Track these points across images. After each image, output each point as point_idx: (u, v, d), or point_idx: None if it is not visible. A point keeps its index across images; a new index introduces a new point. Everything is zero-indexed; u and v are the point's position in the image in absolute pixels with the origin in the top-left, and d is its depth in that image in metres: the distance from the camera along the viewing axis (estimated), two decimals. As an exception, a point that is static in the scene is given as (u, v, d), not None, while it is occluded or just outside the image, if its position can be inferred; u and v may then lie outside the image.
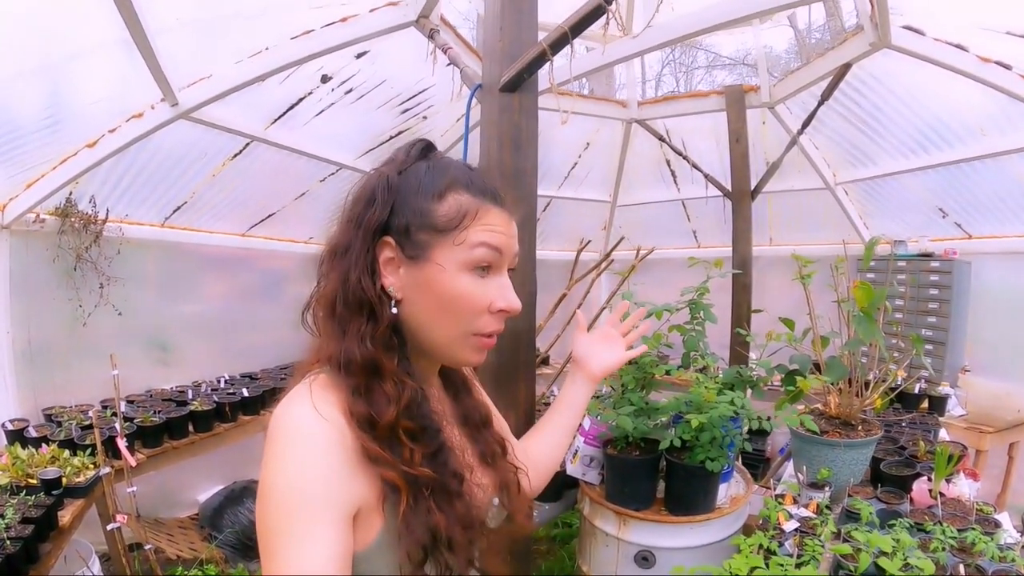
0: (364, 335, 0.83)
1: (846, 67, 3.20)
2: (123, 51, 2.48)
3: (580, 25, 1.56)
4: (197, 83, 2.82)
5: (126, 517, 2.56)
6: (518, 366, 1.81)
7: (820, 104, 3.45)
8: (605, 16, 1.51)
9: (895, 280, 3.96)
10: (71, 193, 3.07)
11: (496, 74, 1.76)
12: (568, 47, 1.57)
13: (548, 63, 1.60)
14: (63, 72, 2.61)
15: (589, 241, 2.85)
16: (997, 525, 1.80)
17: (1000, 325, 4.00)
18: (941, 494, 1.99)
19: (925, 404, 3.39)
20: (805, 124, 3.64)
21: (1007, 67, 2.79)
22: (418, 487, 0.80)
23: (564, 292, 2.48)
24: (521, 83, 1.72)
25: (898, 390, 2.70)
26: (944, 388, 3.56)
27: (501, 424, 1.15)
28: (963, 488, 2.09)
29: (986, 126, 3.40)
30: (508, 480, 1.02)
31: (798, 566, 1.57)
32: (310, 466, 0.75)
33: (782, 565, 1.53)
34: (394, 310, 0.86)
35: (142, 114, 2.84)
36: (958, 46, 2.82)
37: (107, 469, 2.53)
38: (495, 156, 1.76)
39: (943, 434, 2.84)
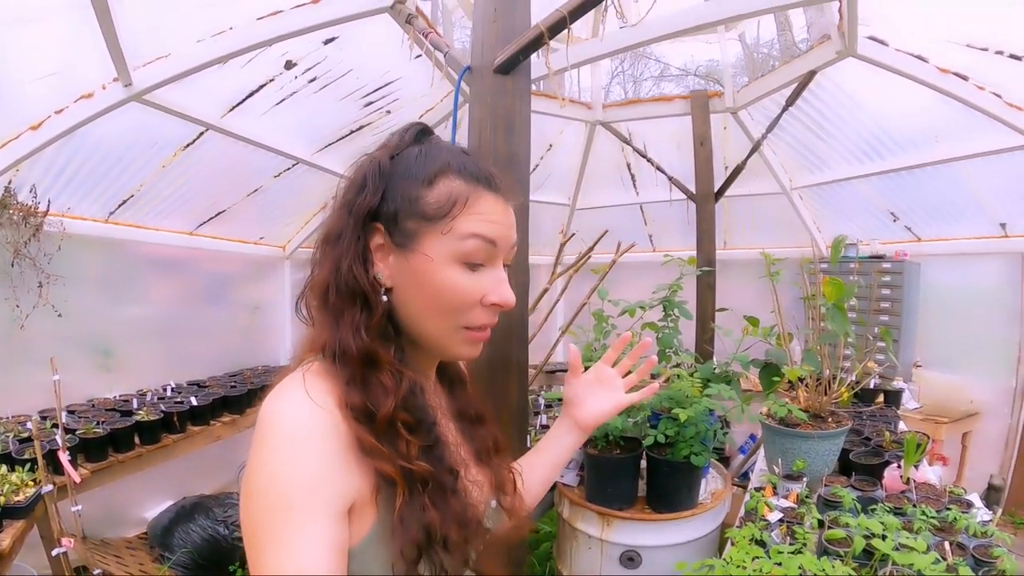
0: (359, 325, 0.80)
1: (811, 74, 3.29)
2: (73, 21, 2.30)
3: (579, 10, 1.52)
4: (154, 62, 2.64)
5: (72, 541, 2.35)
6: (510, 363, 1.75)
7: (785, 109, 3.53)
8: (604, 3, 1.48)
9: (854, 281, 4.10)
10: (11, 181, 2.83)
11: (488, 57, 1.71)
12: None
13: (544, 47, 1.56)
14: (3, 42, 2.36)
15: (574, 234, 2.83)
16: (970, 505, 1.86)
17: (949, 322, 4.23)
18: (911, 479, 2.03)
19: (880, 398, 3.50)
20: (769, 128, 3.72)
21: (964, 78, 2.93)
22: (413, 482, 0.77)
23: (545, 287, 2.45)
24: (516, 65, 1.68)
25: (863, 384, 2.77)
26: (898, 382, 3.69)
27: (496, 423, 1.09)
28: (930, 473, 2.15)
29: (940, 133, 3.55)
30: (504, 479, 0.98)
31: (792, 554, 1.57)
32: (304, 456, 0.71)
33: (781, 553, 1.52)
34: (384, 298, 0.83)
35: (92, 94, 2.64)
36: (919, 57, 2.94)
37: (49, 487, 2.33)
38: (488, 140, 1.70)
39: (902, 426, 2.93)
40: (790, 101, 3.48)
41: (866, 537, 1.52)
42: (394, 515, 0.75)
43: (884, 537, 1.51)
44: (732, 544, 1.69)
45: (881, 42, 2.95)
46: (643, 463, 2.25)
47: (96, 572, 2.67)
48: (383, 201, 0.83)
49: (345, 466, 0.73)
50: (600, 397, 1.14)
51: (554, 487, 2.45)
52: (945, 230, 4.23)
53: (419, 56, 2.45)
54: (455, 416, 0.98)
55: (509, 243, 0.87)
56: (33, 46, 2.43)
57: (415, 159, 0.85)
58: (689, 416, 1.97)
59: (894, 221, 4.38)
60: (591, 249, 2.47)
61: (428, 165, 0.84)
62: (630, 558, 2.07)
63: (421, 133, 0.90)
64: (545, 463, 1.15)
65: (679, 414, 1.97)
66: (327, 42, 2.95)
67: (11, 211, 2.84)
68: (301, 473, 0.70)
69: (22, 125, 2.63)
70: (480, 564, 0.86)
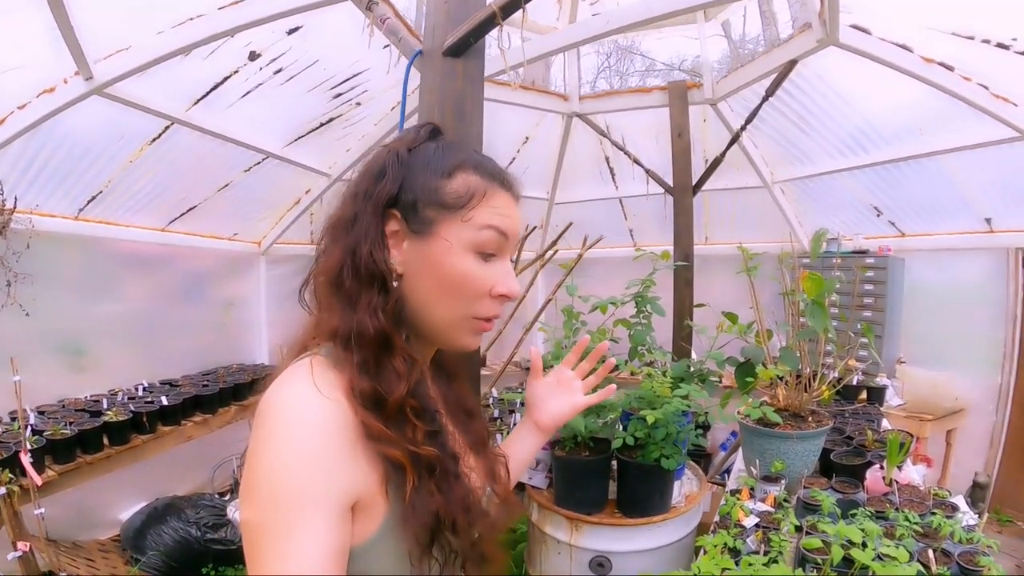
0: (376, 307, 0.82)
1: (791, 64, 3.22)
2: (33, 15, 2.26)
3: (533, -12, 1.45)
4: (115, 55, 2.61)
5: (28, 545, 2.31)
6: (461, 366, 1.68)
7: (765, 99, 3.45)
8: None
9: (834, 276, 4.05)
10: None
11: (439, 40, 1.64)
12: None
13: (498, 29, 1.48)
14: None
15: (535, 228, 2.76)
16: (955, 508, 1.80)
17: (933, 318, 4.18)
18: (895, 481, 1.97)
19: (864, 395, 3.45)
20: (748, 119, 3.64)
21: (949, 68, 2.86)
22: (420, 467, 0.78)
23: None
24: (467, 48, 1.60)
25: (844, 381, 2.71)
26: (881, 379, 3.64)
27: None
28: (914, 475, 2.09)
29: (925, 126, 3.48)
30: (496, 467, 1.02)
31: (766, 564, 1.50)
32: (309, 451, 0.71)
33: (752, 564, 1.45)
34: (395, 283, 0.85)
35: (54, 88, 2.62)
36: (903, 46, 2.87)
37: (2, 490, 2.28)
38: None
39: (885, 424, 2.88)
40: (770, 91, 3.41)
41: (845, 546, 1.45)
42: (405, 502, 0.76)
43: (864, 545, 1.45)
44: (704, 552, 1.63)
45: (864, 30, 2.88)
46: (615, 465, 2.18)
47: (61, 574, 2.62)
48: (401, 190, 0.85)
49: (352, 460, 0.73)
50: (559, 399, 1.18)
51: (524, 488, 2.39)
52: (930, 225, 4.17)
53: (387, 46, 2.38)
54: (450, 407, 1.00)
55: (516, 239, 0.91)
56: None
57: (434, 152, 0.89)
58: (657, 418, 1.90)
59: (877, 216, 4.33)
60: (555, 243, 2.41)
61: (447, 159, 0.88)
62: (600, 564, 2.01)
63: (435, 131, 0.95)
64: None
65: (647, 415, 1.90)
66: (291, 32, 2.89)
67: (-21, 209, 2.79)
68: (306, 469, 0.69)
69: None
70: (481, 547, 0.88)
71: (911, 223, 4.26)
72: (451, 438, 0.88)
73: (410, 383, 0.80)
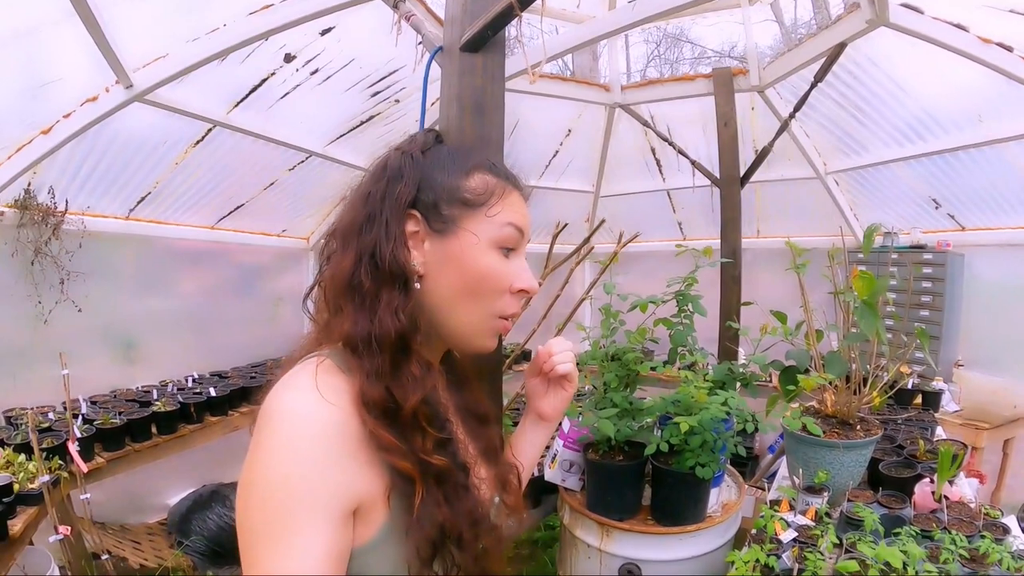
0: (397, 308, 0.81)
1: (840, 47, 3.05)
2: (70, 28, 2.33)
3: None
4: (152, 63, 2.68)
5: (68, 529, 2.41)
6: (482, 365, 1.64)
7: (813, 86, 3.28)
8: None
9: (888, 272, 3.85)
10: (30, 184, 2.92)
11: (457, 34, 1.60)
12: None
13: (517, 19, 1.42)
14: (9, 51, 2.43)
15: (566, 224, 2.72)
16: (1006, 531, 1.69)
17: (994, 318, 3.94)
18: (945, 497, 1.86)
19: (918, 400, 3.29)
20: (797, 107, 3.47)
21: (1008, 48, 2.67)
22: (428, 477, 0.77)
23: (539, 281, 2.33)
24: (485, 42, 1.55)
25: (897, 387, 2.57)
26: (938, 383, 3.46)
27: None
28: (966, 489, 1.97)
29: (984, 112, 3.28)
30: (508, 478, 1.00)
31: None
32: (309, 457, 0.69)
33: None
34: (417, 286, 0.85)
35: (96, 97, 2.71)
36: (958, 26, 2.69)
37: (46, 477, 2.39)
38: (455, 122, 1.59)
39: (940, 432, 2.74)
40: (819, 77, 3.23)
41: (883, 570, 1.37)
42: (411, 513, 0.75)
43: (905, 568, 1.37)
44: (733, 568, 1.57)
45: (916, 9, 2.71)
46: (650, 469, 2.12)
47: (104, 557, 2.73)
48: (419, 190, 0.86)
49: (354, 467, 0.72)
50: (556, 392, 1.16)
51: (557, 490, 2.35)
52: (991, 219, 3.93)
53: (420, 43, 2.38)
54: (462, 414, 0.98)
55: (528, 236, 0.93)
56: (39, 54, 2.50)
57: (448, 154, 0.91)
58: (691, 425, 1.83)
59: (936, 208, 4.10)
60: (588, 239, 2.36)
61: (463, 161, 0.90)
62: (629, 571, 1.96)
63: (439, 136, 0.96)
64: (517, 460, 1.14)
65: (681, 422, 1.83)
66: (324, 33, 2.91)
67: (31, 211, 2.93)
68: (304, 475, 0.68)
69: (34, 130, 2.71)
70: (487, 561, 0.86)
71: (971, 216, 4.02)
72: (461, 447, 0.87)
73: (426, 389, 0.79)
